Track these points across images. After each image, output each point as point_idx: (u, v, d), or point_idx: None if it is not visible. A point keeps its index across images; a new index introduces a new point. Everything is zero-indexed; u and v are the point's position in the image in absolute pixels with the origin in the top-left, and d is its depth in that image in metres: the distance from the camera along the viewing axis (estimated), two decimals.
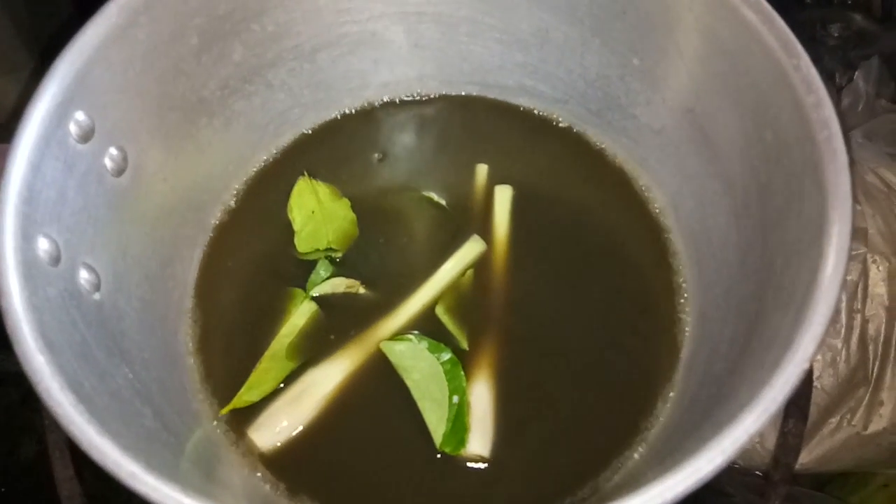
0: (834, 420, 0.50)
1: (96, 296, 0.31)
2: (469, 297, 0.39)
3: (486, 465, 0.35)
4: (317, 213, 0.41)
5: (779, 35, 0.29)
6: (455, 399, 0.36)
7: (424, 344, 0.37)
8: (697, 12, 0.32)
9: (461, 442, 0.35)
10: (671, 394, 0.35)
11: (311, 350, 0.37)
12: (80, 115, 0.30)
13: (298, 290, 0.39)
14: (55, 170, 0.29)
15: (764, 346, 0.26)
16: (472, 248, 0.40)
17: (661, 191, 0.40)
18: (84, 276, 0.30)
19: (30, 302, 0.25)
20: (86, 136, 0.31)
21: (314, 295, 0.39)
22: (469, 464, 0.35)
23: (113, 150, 0.33)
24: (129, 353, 0.31)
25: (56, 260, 0.28)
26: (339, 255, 0.40)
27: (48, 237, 0.28)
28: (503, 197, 0.42)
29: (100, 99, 0.31)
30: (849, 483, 0.54)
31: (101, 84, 0.31)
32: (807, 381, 0.28)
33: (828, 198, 0.26)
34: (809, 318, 0.23)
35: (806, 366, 0.22)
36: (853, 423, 0.50)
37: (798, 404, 0.32)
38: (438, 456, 0.35)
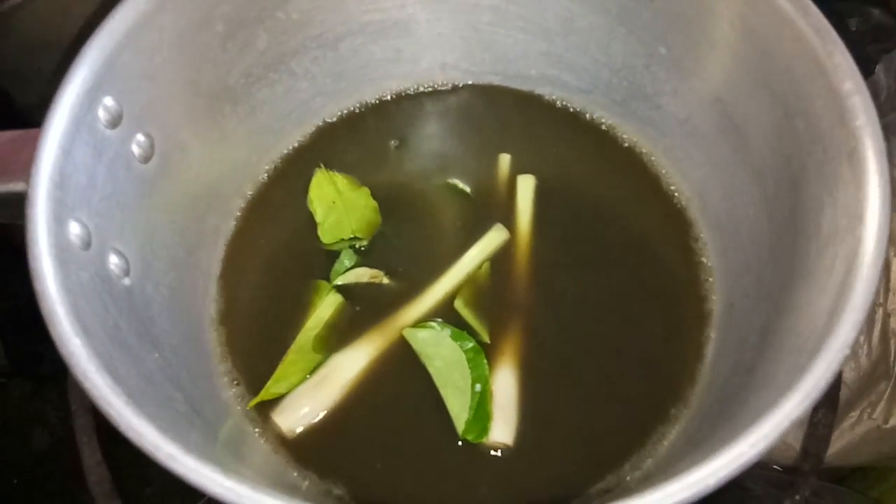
0: (854, 414, 0.50)
1: (126, 281, 0.31)
2: (488, 290, 0.39)
3: (509, 453, 0.35)
4: (338, 204, 0.41)
5: (813, 22, 0.29)
6: (478, 387, 0.36)
7: (447, 331, 0.37)
8: (728, 0, 0.32)
9: (484, 430, 0.35)
10: (699, 383, 0.35)
11: (337, 341, 0.37)
12: (108, 101, 0.30)
13: (323, 283, 0.39)
14: (85, 155, 0.29)
15: (799, 334, 0.26)
16: (495, 237, 0.40)
17: (686, 180, 0.40)
18: (114, 261, 0.30)
19: (64, 285, 0.26)
20: (114, 121, 0.31)
21: (338, 284, 0.39)
22: (492, 452, 0.35)
23: (140, 137, 0.33)
24: (158, 338, 0.31)
25: (87, 244, 0.28)
26: (364, 243, 0.40)
27: (79, 221, 0.28)
28: (526, 186, 0.41)
29: (128, 85, 0.31)
30: (868, 477, 0.54)
31: (130, 70, 0.31)
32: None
33: (865, 185, 0.26)
34: (849, 305, 0.23)
35: (847, 352, 0.22)
36: (874, 416, 0.50)
37: (827, 394, 0.31)
38: (460, 443, 0.35)
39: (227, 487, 0.21)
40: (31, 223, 0.26)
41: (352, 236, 0.40)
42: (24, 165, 0.28)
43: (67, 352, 0.24)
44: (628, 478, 0.34)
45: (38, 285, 0.25)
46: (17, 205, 0.28)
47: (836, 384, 0.32)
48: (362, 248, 0.40)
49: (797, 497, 0.31)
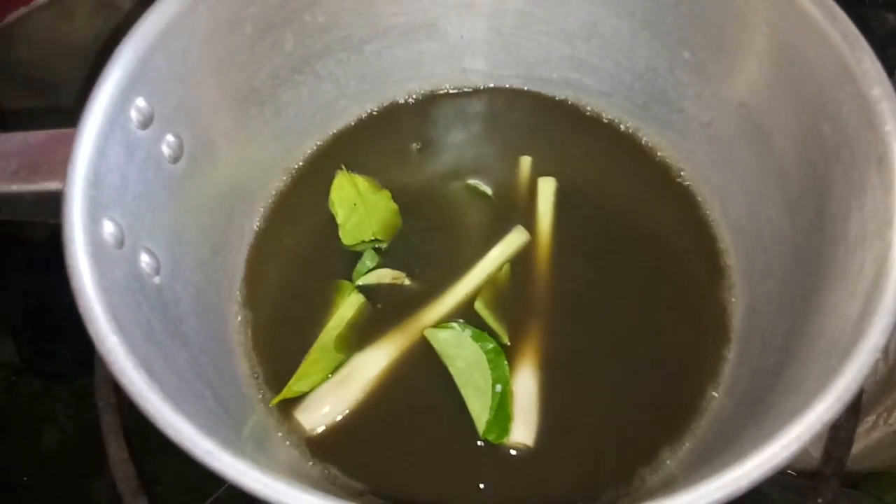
0: (870, 419, 0.50)
1: (156, 280, 0.31)
2: (507, 292, 0.39)
3: (530, 453, 0.35)
4: (359, 206, 0.41)
5: (842, 29, 0.29)
6: (498, 388, 0.36)
7: (468, 332, 0.37)
8: (755, 5, 0.32)
9: (504, 430, 0.35)
10: (720, 386, 0.35)
11: (359, 341, 0.38)
12: (140, 102, 0.31)
13: (346, 283, 0.39)
14: (118, 155, 0.30)
15: (827, 338, 0.26)
16: (516, 238, 0.40)
17: (708, 184, 0.40)
18: (145, 259, 0.30)
19: (100, 284, 0.26)
20: (146, 122, 0.31)
21: (359, 284, 0.39)
22: (513, 452, 0.35)
23: (170, 137, 0.33)
24: (187, 336, 0.31)
25: (120, 243, 0.29)
26: (385, 244, 0.41)
27: (113, 220, 0.29)
28: (546, 189, 0.42)
29: (159, 86, 0.32)
30: (883, 482, 0.54)
31: (161, 71, 0.32)
32: None
33: (894, 189, 0.26)
34: (880, 308, 0.23)
35: (878, 355, 0.22)
36: (889, 422, 0.50)
37: None
38: (481, 444, 0.35)
39: (263, 483, 0.22)
40: (67, 221, 0.27)
41: (372, 238, 0.40)
42: (59, 165, 0.29)
43: (105, 349, 0.24)
44: (651, 479, 0.34)
45: (75, 283, 0.25)
46: (51, 204, 0.29)
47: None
48: (384, 249, 0.41)
49: (820, 500, 0.31)
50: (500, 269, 0.40)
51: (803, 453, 0.47)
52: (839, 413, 0.22)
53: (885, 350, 0.50)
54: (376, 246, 0.41)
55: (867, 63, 0.28)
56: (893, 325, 0.23)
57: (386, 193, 0.42)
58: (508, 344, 0.37)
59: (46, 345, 0.88)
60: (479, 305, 0.38)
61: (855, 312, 0.25)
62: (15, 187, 0.30)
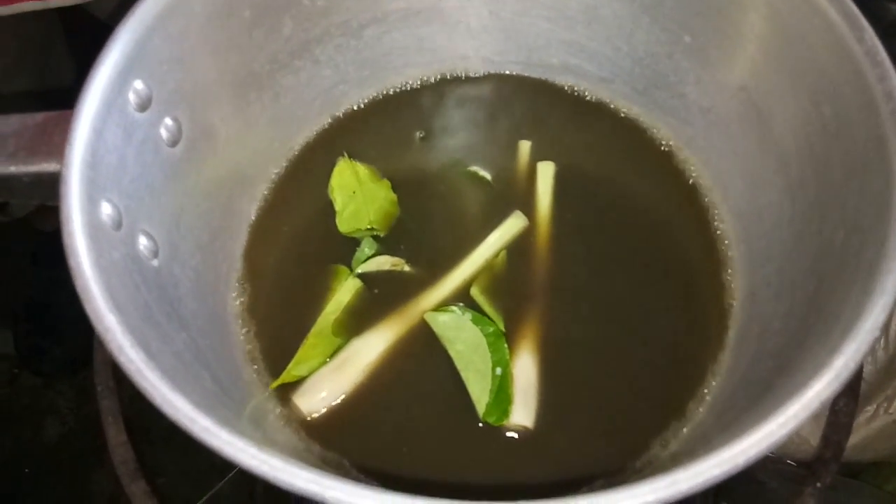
0: (871, 408, 0.50)
1: (154, 262, 0.31)
2: (504, 278, 0.39)
3: (529, 435, 0.35)
4: (358, 194, 0.41)
5: (842, 9, 0.29)
6: (498, 371, 0.36)
7: (468, 315, 0.37)
8: None
9: (504, 413, 0.35)
10: (720, 368, 0.35)
11: (357, 326, 0.38)
12: (138, 84, 0.31)
13: (343, 268, 0.39)
14: (116, 136, 0.30)
15: (828, 318, 0.26)
16: (514, 223, 0.40)
17: (708, 168, 0.40)
18: (143, 242, 0.30)
19: (97, 263, 0.26)
20: (143, 105, 0.31)
21: (359, 272, 0.39)
22: (512, 434, 0.35)
23: (168, 121, 0.33)
24: (185, 319, 0.31)
25: (118, 225, 0.29)
26: (382, 233, 0.41)
27: (110, 202, 0.29)
28: (546, 173, 0.42)
29: (157, 69, 0.32)
30: (882, 472, 0.54)
31: (159, 54, 0.32)
32: None
33: (894, 170, 0.26)
34: (879, 288, 0.23)
35: (877, 334, 0.22)
36: (890, 411, 0.50)
37: (849, 383, 0.31)
38: (481, 426, 0.35)
39: (261, 459, 0.22)
40: (65, 202, 0.27)
41: (369, 227, 0.40)
42: (56, 147, 0.29)
43: (102, 327, 0.24)
44: (650, 459, 0.34)
45: (72, 262, 0.25)
46: (49, 185, 0.29)
47: (858, 373, 0.32)
48: (382, 236, 0.40)
49: (818, 484, 0.31)
50: (497, 255, 0.40)
51: (803, 442, 0.47)
52: (837, 391, 0.22)
53: (886, 339, 0.50)
54: (374, 234, 0.41)
55: (867, 43, 0.28)
56: (892, 304, 0.23)
57: (386, 183, 0.42)
58: (503, 330, 0.37)
59: (43, 341, 0.88)
60: (475, 292, 0.38)
61: (855, 293, 0.25)
62: (13, 168, 0.30)
